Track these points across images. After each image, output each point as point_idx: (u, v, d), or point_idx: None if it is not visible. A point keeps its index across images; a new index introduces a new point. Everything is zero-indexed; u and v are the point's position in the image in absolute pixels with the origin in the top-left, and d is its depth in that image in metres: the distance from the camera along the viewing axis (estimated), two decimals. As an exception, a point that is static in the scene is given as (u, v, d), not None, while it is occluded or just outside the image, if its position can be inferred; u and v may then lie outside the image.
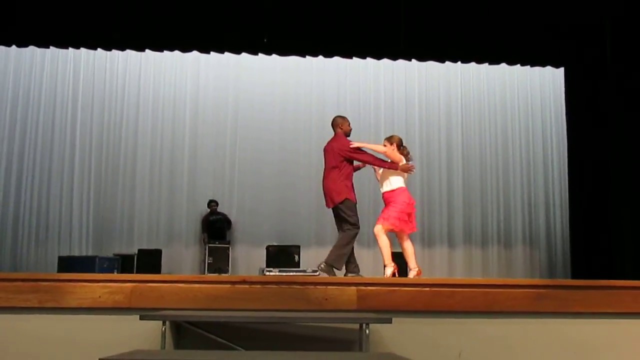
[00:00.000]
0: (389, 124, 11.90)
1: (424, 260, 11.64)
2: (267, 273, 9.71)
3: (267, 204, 11.55)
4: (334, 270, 6.45)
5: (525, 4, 9.05)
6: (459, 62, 10.38)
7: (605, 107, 9.49)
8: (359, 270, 6.62)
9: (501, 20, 9.08)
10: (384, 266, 6.53)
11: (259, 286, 4.70)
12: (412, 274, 6.58)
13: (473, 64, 10.27)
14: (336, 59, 10.03)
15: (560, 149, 11.83)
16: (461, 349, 4.56)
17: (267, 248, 10.73)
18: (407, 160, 6.72)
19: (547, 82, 12.05)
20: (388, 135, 7.01)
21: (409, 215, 6.59)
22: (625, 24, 9.09)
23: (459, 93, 12.21)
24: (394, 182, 6.59)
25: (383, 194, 6.67)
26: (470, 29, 9.09)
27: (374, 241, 6.92)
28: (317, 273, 7.16)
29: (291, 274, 9.43)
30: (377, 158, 6.71)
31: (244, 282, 4.71)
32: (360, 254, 9.51)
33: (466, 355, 4.55)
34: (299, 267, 10.36)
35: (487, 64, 10.11)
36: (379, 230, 6.49)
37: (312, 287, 4.68)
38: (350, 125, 6.94)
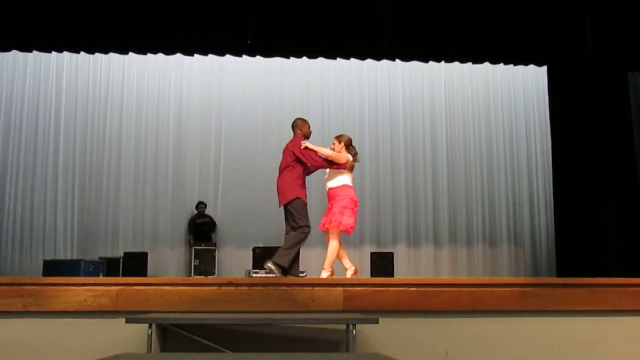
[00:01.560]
0: (373, 124, 11.94)
1: (409, 260, 11.71)
2: (254, 275, 9.69)
3: (253, 205, 11.51)
4: (280, 270, 6.40)
5: (507, 3, 9.11)
6: (443, 62, 10.42)
7: (588, 105, 9.57)
8: (298, 273, 6.59)
9: (484, 20, 9.13)
10: (322, 268, 6.52)
11: (245, 288, 4.70)
12: (324, 274, 6.51)
13: (457, 63, 10.32)
14: (320, 59, 10.04)
15: (544, 148, 11.91)
16: (448, 348, 4.57)
17: (254, 250, 10.71)
18: (355, 160, 6.83)
19: (530, 80, 12.13)
20: (339, 134, 7.06)
21: (352, 210, 6.60)
22: (607, 22, 9.18)
23: (443, 93, 12.26)
24: (339, 179, 6.66)
25: (328, 190, 6.74)
26: (453, 29, 9.13)
27: (321, 243, 6.90)
28: (304, 274, 7.15)
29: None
30: (324, 160, 6.71)
31: (230, 284, 4.70)
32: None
33: (453, 355, 4.57)
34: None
35: (470, 63, 10.16)
36: (332, 232, 6.53)
37: (298, 288, 4.68)
38: (311, 128, 6.99)
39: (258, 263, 10.46)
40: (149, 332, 4.15)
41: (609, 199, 9.24)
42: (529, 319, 4.71)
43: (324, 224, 6.66)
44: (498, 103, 12.37)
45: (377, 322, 4.18)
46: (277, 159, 10.47)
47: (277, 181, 6.75)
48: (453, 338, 4.61)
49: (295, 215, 6.53)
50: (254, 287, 4.71)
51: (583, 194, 9.62)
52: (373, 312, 4.45)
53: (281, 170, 6.74)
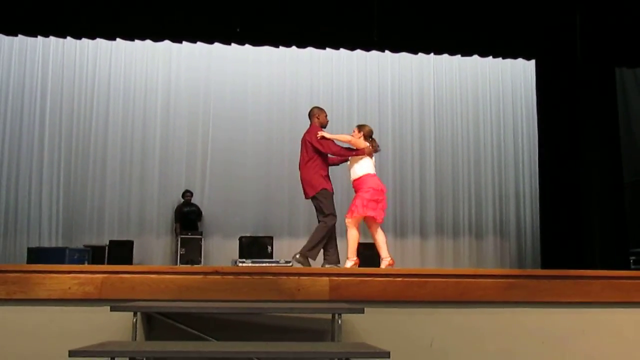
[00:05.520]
0: (362, 115, 11.92)
1: (396, 251, 11.69)
2: (240, 264, 9.69)
3: (240, 194, 11.50)
4: (309, 261, 6.45)
5: (497, -3, 9.12)
6: (432, 54, 10.42)
7: (576, 99, 9.61)
8: (337, 261, 6.61)
9: (473, 13, 9.13)
10: (347, 258, 6.52)
11: (231, 277, 4.68)
12: (384, 264, 6.59)
13: (446, 55, 10.32)
14: (309, 49, 9.99)
15: (530, 141, 11.97)
16: (433, 338, 4.59)
17: (240, 239, 10.71)
18: (376, 150, 6.75)
19: (519, 74, 12.18)
20: (361, 124, 7.02)
21: (377, 202, 6.54)
22: (595, 18, 9.21)
23: (432, 85, 12.28)
24: (360, 169, 6.60)
25: (352, 182, 6.69)
26: (443, 21, 9.13)
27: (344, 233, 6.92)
28: (290, 264, 7.15)
29: (264, 264, 9.43)
30: (342, 148, 6.70)
31: (216, 272, 4.68)
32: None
33: (438, 345, 4.59)
34: (272, 257, 10.36)
35: (459, 56, 10.16)
36: (349, 222, 6.52)
37: (284, 277, 4.67)
38: (327, 117, 6.94)
39: (244, 252, 10.47)
40: (134, 320, 4.14)
41: (594, 192, 9.30)
42: (513, 309, 4.74)
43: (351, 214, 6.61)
44: (486, 96, 12.42)
45: (363, 312, 4.19)
46: (265, 148, 10.55)
47: (301, 174, 6.72)
48: (438, 328, 4.63)
49: (323, 207, 6.54)
50: (240, 276, 4.70)
51: (568, 187, 9.67)
52: (359, 302, 4.46)
53: (304, 162, 6.69)
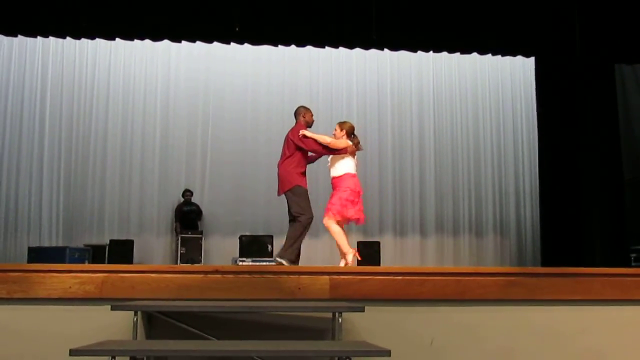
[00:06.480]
0: (362, 113, 11.93)
1: (396, 249, 11.74)
2: (240, 263, 9.69)
3: (240, 193, 11.50)
4: (290, 263, 6.37)
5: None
6: (431, 52, 10.43)
7: (575, 96, 9.62)
8: (294, 261, 6.45)
9: (472, 10, 9.13)
10: (344, 254, 6.46)
11: (231, 276, 4.68)
12: (343, 263, 6.51)
13: (445, 53, 10.35)
14: (308, 48, 10.01)
15: (530, 138, 11.97)
16: (433, 337, 4.59)
17: (240, 238, 10.71)
18: (357, 149, 6.70)
19: (518, 71, 12.18)
20: (342, 121, 6.96)
21: (353, 202, 6.47)
22: (595, 14, 9.21)
23: (431, 83, 12.27)
24: (341, 167, 6.56)
25: (331, 179, 6.65)
26: (441, 19, 9.14)
27: (324, 231, 6.88)
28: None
29: (264, 263, 9.43)
30: (322, 147, 6.62)
31: (216, 272, 4.68)
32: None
33: (438, 343, 4.59)
34: (272, 256, 10.35)
35: (458, 54, 10.18)
36: (327, 222, 6.45)
37: (284, 276, 4.67)
38: (313, 116, 6.91)
39: (245, 251, 10.47)
40: (135, 319, 4.14)
41: (594, 190, 9.31)
42: (513, 308, 4.74)
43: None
44: (486, 94, 12.41)
45: (363, 311, 4.19)
46: (265, 147, 10.53)
47: (278, 170, 6.70)
48: (438, 326, 4.63)
49: (295, 204, 6.50)
50: (240, 275, 4.70)
51: (568, 185, 9.68)
52: (359, 301, 4.45)
53: (283, 159, 6.67)
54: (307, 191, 6.59)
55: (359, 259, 6.61)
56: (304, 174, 6.63)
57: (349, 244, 6.59)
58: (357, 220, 6.58)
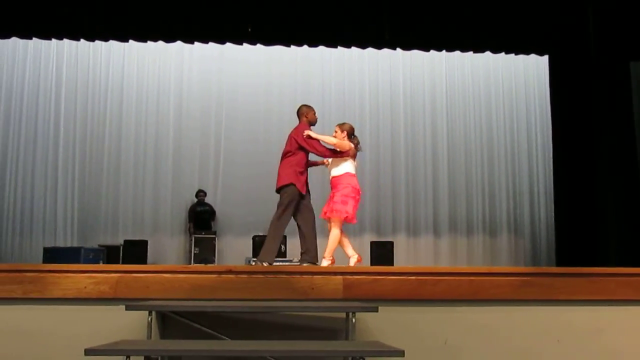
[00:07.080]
0: (374, 113, 11.92)
1: (409, 249, 11.71)
2: (253, 263, 9.69)
3: (253, 193, 11.51)
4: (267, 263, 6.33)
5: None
6: (444, 51, 10.40)
7: (590, 95, 9.55)
8: (270, 261, 6.44)
9: (485, 9, 9.10)
10: (325, 257, 6.44)
11: (245, 276, 4.70)
12: (352, 261, 6.51)
13: (457, 52, 10.31)
14: (321, 48, 10.01)
15: (544, 137, 11.89)
16: (447, 337, 4.58)
17: (254, 238, 10.71)
18: (357, 150, 6.70)
19: (531, 70, 12.10)
20: (341, 122, 6.94)
21: (354, 199, 6.50)
22: (609, 12, 9.14)
23: (444, 82, 12.23)
24: (342, 167, 6.56)
25: (331, 179, 6.65)
26: (454, 18, 9.12)
27: (322, 231, 6.87)
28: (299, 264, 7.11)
29: (277, 263, 9.44)
30: (327, 148, 6.62)
31: (230, 272, 4.70)
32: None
33: (452, 343, 4.58)
34: (285, 257, 10.35)
35: (471, 53, 10.14)
36: (334, 222, 6.46)
37: (298, 276, 4.67)
38: (316, 115, 6.89)
39: (258, 251, 10.47)
40: (149, 319, 4.16)
41: (609, 189, 9.25)
42: (528, 308, 4.72)
43: (325, 213, 6.61)
44: (499, 93, 12.35)
45: (377, 311, 4.19)
46: (277, 147, 10.43)
47: (278, 168, 6.69)
48: (452, 327, 4.62)
49: (283, 202, 6.45)
50: (253, 275, 4.71)
51: (583, 184, 9.62)
52: (372, 301, 4.45)
53: (283, 156, 6.67)
54: (299, 193, 6.49)
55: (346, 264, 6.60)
56: (302, 173, 6.59)
57: (353, 249, 6.64)
58: (351, 220, 6.58)
